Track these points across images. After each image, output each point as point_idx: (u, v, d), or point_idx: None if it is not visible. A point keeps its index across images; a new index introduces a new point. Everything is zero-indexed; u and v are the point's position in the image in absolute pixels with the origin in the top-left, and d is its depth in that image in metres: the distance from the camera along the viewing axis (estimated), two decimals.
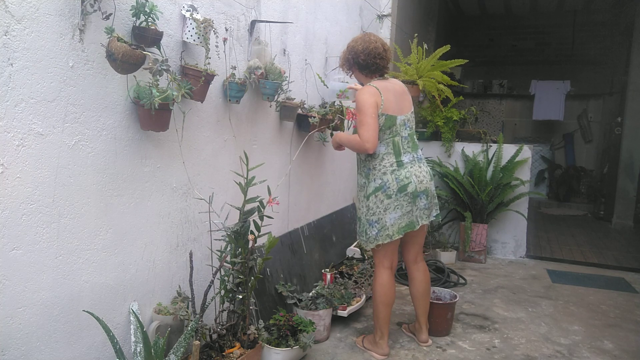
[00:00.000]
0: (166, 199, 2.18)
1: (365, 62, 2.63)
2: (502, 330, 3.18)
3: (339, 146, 2.91)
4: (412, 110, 2.76)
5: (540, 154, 8.88)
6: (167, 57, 1.96)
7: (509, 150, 4.98)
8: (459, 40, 9.23)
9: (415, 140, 2.74)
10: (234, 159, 2.65)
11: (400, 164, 2.62)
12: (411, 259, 2.87)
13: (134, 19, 1.85)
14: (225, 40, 2.42)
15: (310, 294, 3.09)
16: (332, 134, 3.58)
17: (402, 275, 4.14)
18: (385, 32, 5.18)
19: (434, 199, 2.77)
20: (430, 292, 2.92)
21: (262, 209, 2.32)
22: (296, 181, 3.43)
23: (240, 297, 2.32)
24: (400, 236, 2.64)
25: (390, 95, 2.62)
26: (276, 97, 2.84)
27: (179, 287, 2.27)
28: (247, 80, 2.57)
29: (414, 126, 2.75)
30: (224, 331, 2.27)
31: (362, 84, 2.74)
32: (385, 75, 2.74)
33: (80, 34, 1.69)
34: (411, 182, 2.60)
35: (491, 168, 4.95)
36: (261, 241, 2.42)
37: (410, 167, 2.64)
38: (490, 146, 5.06)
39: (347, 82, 3.71)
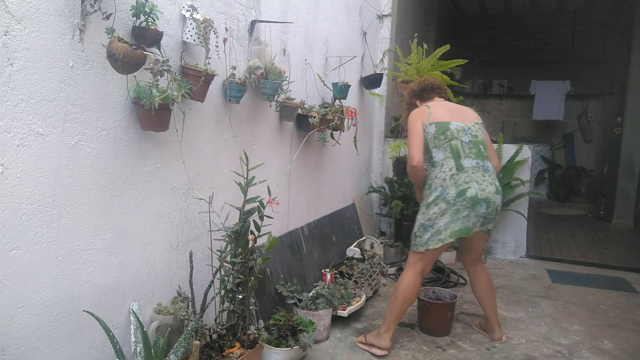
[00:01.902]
0: (166, 199, 2.18)
1: (420, 87, 2.92)
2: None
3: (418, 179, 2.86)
4: (479, 122, 2.82)
5: (540, 154, 8.88)
6: (167, 57, 1.96)
7: (509, 150, 4.98)
8: (459, 40, 9.23)
9: (482, 150, 2.72)
10: (234, 159, 2.65)
11: (459, 168, 2.63)
12: (469, 261, 2.95)
13: (134, 19, 1.85)
14: (225, 40, 2.42)
15: (310, 294, 3.09)
16: (332, 134, 3.59)
17: None
18: (385, 32, 5.18)
19: (497, 215, 2.71)
20: (494, 290, 2.96)
21: (262, 209, 2.32)
22: (296, 181, 3.43)
23: (240, 297, 2.32)
24: (452, 240, 2.62)
25: (440, 109, 2.77)
26: (276, 97, 2.85)
27: (179, 287, 2.27)
28: (247, 80, 2.58)
29: (481, 138, 2.76)
30: (224, 331, 2.27)
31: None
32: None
33: (80, 34, 1.69)
34: (471, 187, 2.59)
35: None
36: (261, 241, 2.42)
37: (472, 173, 2.63)
38: None
39: (348, 84, 3.73)
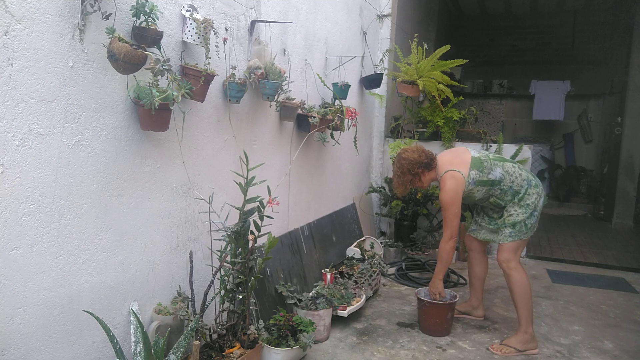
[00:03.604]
0: (166, 199, 2.18)
1: (428, 158, 3.01)
2: (502, 330, 3.18)
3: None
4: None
5: (540, 154, 8.87)
6: (167, 57, 1.96)
7: (508, 150, 4.97)
8: (459, 40, 9.23)
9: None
10: (234, 159, 2.65)
11: (516, 164, 2.99)
12: (482, 249, 3.35)
13: (134, 19, 1.85)
14: (225, 40, 2.42)
15: (310, 294, 3.09)
16: (332, 134, 3.59)
17: (401, 275, 4.15)
18: (385, 32, 5.18)
19: None
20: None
21: (262, 209, 2.33)
22: (296, 181, 3.43)
23: (240, 297, 2.32)
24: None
25: (455, 159, 2.97)
26: (276, 97, 2.84)
27: (179, 287, 2.27)
28: (247, 80, 2.58)
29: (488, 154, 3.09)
30: (224, 331, 2.27)
31: (424, 182, 3.06)
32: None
33: (80, 34, 1.69)
34: (528, 170, 3.05)
35: None
36: (261, 241, 2.42)
37: None
38: (490, 146, 5.05)
39: (348, 84, 3.73)
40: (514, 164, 2.96)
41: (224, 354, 2.20)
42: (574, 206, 8.30)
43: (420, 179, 3.03)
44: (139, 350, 1.85)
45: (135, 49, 1.69)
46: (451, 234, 2.91)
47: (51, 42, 1.59)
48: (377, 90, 4.79)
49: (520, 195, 2.89)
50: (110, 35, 1.69)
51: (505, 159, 2.99)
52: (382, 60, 4.90)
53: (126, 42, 1.68)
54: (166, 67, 1.83)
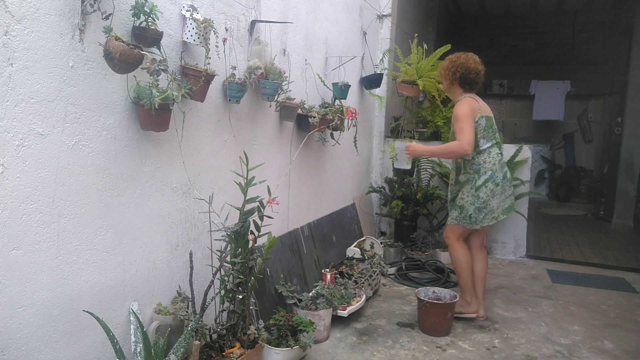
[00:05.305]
0: (166, 199, 2.18)
1: (474, 79, 3.09)
2: (502, 330, 3.18)
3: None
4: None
5: (540, 154, 8.87)
6: (166, 57, 1.96)
7: (508, 150, 4.96)
8: (459, 40, 9.22)
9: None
10: (234, 159, 2.65)
11: (502, 155, 3.12)
12: (478, 244, 3.29)
13: (134, 19, 1.85)
14: (225, 40, 2.42)
15: (310, 294, 3.09)
16: (332, 134, 3.59)
17: (401, 275, 4.15)
18: (385, 32, 5.18)
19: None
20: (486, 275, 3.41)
21: (262, 209, 2.33)
22: (296, 181, 3.43)
23: (240, 297, 2.32)
24: (504, 217, 3.12)
25: (482, 102, 3.11)
26: (276, 97, 2.84)
27: (179, 287, 2.27)
28: (247, 80, 2.58)
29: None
30: (224, 331, 2.27)
31: (446, 97, 3.24)
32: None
33: (80, 34, 1.69)
34: (507, 170, 3.13)
35: None
36: (261, 241, 2.42)
37: (503, 159, 3.15)
38: None
39: (348, 84, 3.73)
40: (500, 154, 3.07)
41: (224, 354, 2.20)
42: (574, 206, 8.30)
43: (450, 82, 3.15)
44: (139, 350, 1.85)
45: (131, 48, 1.69)
46: (468, 141, 2.90)
47: (51, 42, 1.59)
48: (377, 90, 4.79)
49: (480, 181, 3.01)
50: (107, 34, 1.69)
51: (501, 146, 3.10)
52: (382, 60, 4.90)
53: (122, 41, 1.68)
54: (162, 67, 1.82)
